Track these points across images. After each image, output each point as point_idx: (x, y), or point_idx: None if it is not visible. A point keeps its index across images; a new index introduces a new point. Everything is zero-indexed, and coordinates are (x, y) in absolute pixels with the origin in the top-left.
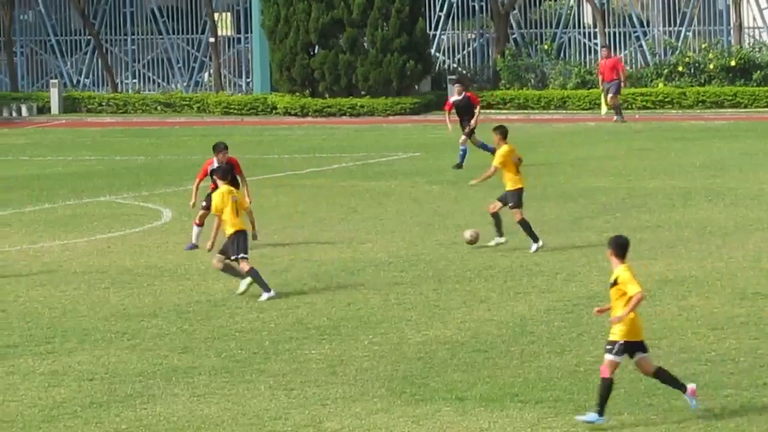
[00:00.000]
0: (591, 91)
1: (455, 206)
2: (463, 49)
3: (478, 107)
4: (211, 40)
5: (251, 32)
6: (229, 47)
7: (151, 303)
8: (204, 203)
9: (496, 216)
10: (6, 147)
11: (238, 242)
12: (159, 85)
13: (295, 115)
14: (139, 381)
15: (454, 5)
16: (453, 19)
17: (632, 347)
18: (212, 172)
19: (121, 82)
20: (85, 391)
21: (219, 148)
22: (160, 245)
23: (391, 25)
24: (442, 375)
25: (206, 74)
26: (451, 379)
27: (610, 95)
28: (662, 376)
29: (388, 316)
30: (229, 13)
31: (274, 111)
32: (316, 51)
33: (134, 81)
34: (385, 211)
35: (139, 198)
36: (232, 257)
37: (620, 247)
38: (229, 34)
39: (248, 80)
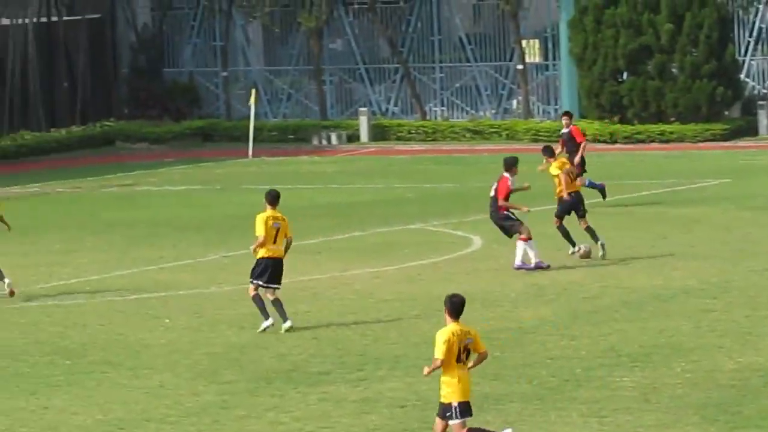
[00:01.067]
0: None
1: (767, 232)
2: None
3: (583, 143)
4: (519, 67)
5: (559, 59)
6: (537, 74)
7: None
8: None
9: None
10: (316, 175)
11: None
12: (467, 113)
13: (604, 141)
14: None
15: (764, 30)
16: (762, 44)
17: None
18: None
19: (429, 110)
20: (398, 419)
21: (510, 163)
22: (470, 272)
23: (700, 51)
24: (756, 402)
25: (514, 101)
26: (766, 407)
27: None
28: None
29: (700, 344)
30: (537, 41)
31: None
32: (624, 77)
33: (442, 108)
34: (694, 237)
35: (449, 225)
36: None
37: (453, 306)
38: (537, 61)
39: (556, 107)
